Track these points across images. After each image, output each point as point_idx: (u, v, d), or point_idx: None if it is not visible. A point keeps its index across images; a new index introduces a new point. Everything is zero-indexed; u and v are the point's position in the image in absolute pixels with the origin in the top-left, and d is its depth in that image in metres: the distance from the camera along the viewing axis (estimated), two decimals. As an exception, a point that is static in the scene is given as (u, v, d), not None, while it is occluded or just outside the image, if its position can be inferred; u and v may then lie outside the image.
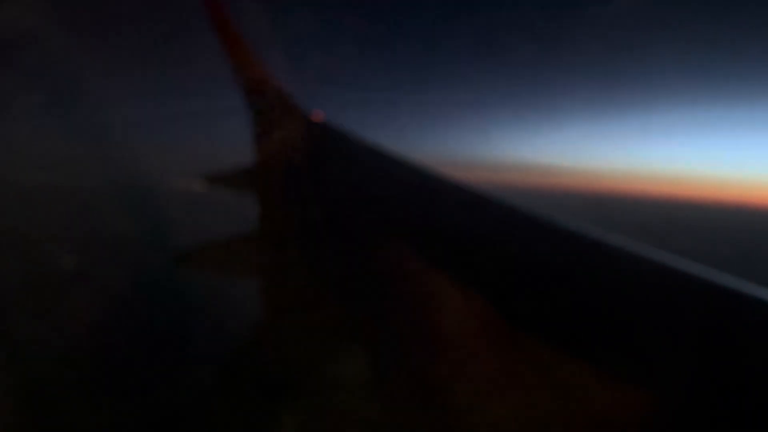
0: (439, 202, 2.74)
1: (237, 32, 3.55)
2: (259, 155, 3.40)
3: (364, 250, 2.26)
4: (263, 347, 2.14)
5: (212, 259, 3.06)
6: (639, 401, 1.17)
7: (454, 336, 1.56)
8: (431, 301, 1.72)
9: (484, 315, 1.53)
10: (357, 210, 2.69)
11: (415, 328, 1.70)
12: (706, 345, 1.24)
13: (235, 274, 3.02)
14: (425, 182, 2.92)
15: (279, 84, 3.60)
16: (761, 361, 1.20)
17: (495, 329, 1.47)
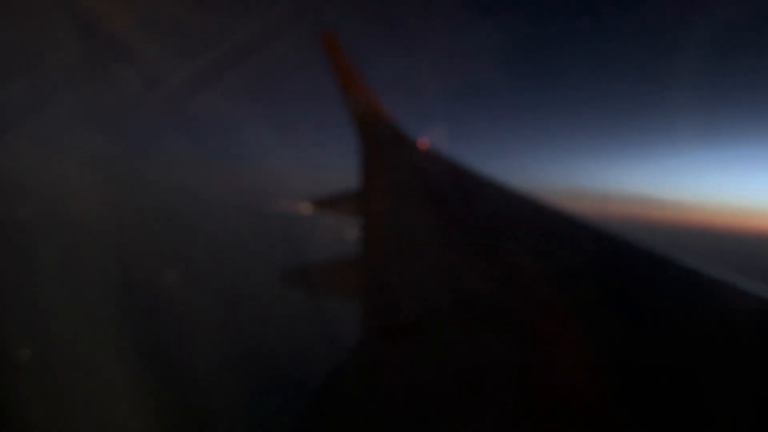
0: (548, 230, 2.65)
1: (349, 63, 3.75)
2: (365, 181, 3.50)
3: (468, 275, 2.21)
4: (365, 369, 2.13)
5: (317, 280, 3.16)
6: None
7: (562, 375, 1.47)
8: (542, 333, 1.64)
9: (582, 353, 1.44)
10: (460, 233, 2.66)
11: (523, 356, 1.62)
12: None
13: (339, 295, 3.08)
14: (530, 208, 2.86)
15: (387, 112, 3.71)
16: None
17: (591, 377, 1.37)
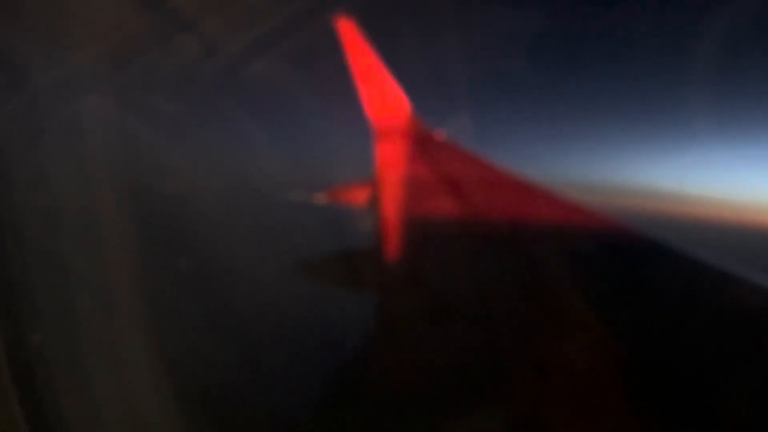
0: (566, 224, 2.65)
1: (368, 52, 3.72)
2: (381, 171, 3.50)
3: (484, 267, 2.21)
4: (378, 359, 2.14)
5: (331, 271, 3.17)
6: None
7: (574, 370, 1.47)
8: (564, 335, 1.63)
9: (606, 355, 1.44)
10: (476, 225, 2.66)
11: (540, 350, 1.62)
12: None
13: (352, 286, 3.10)
14: (547, 200, 2.86)
15: (404, 103, 3.69)
16: None
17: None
